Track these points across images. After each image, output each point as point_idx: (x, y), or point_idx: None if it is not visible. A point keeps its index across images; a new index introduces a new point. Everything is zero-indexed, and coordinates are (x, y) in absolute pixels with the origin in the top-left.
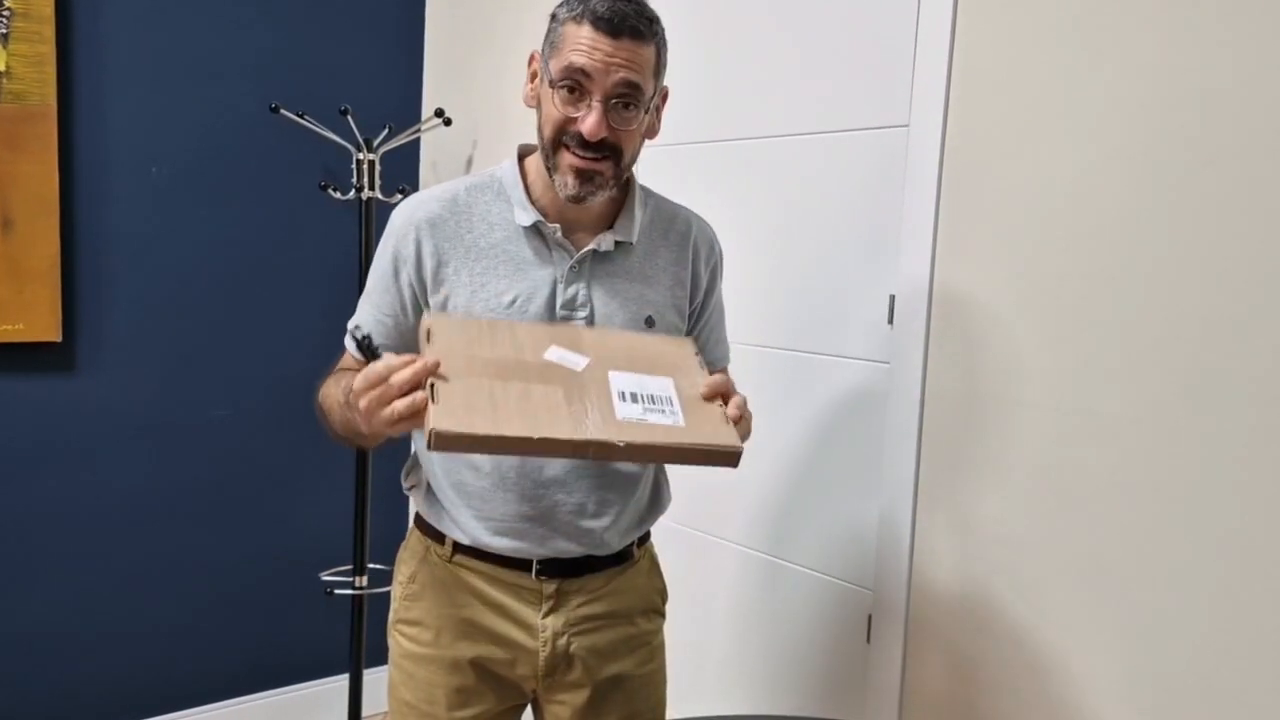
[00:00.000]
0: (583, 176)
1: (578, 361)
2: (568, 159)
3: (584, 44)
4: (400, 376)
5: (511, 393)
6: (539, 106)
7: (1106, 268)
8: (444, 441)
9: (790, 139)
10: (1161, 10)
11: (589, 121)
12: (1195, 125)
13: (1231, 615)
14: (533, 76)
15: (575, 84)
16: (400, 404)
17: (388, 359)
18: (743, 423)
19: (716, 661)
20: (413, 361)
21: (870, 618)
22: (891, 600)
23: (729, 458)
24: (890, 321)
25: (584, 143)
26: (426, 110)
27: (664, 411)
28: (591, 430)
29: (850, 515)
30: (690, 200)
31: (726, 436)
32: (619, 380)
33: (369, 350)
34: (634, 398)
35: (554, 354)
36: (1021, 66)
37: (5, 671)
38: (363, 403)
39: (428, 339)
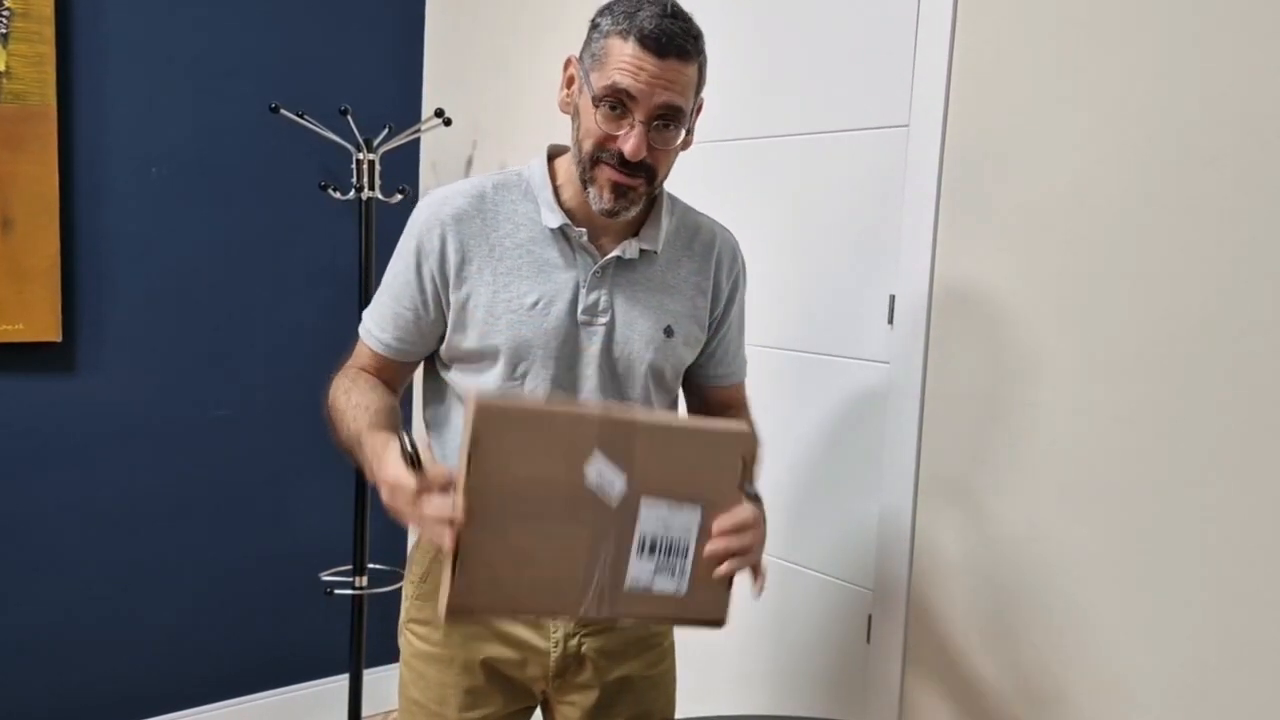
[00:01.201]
0: (618, 191)
1: (615, 483)
2: (606, 173)
3: (629, 63)
4: (431, 511)
5: (537, 546)
6: (576, 115)
7: (1106, 266)
8: (455, 617)
9: (790, 139)
10: (1161, 9)
11: (631, 142)
12: (1195, 124)
13: (1236, 614)
14: (569, 82)
15: (618, 102)
16: (427, 533)
17: (426, 472)
18: (752, 552)
19: (717, 661)
20: (447, 486)
21: (870, 618)
22: (891, 600)
23: (714, 625)
24: (890, 321)
25: (623, 160)
26: (426, 110)
27: (672, 573)
28: (592, 607)
29: (850, 515)
30: (690, 200)
31: (715, 610)
32: (647, 518)
33: (413, 462)
34: (652, 549)
35: (594, 471)
36: (1022, 65)
37: (4, 671)
38: (392, 503)
39: (474, 441)
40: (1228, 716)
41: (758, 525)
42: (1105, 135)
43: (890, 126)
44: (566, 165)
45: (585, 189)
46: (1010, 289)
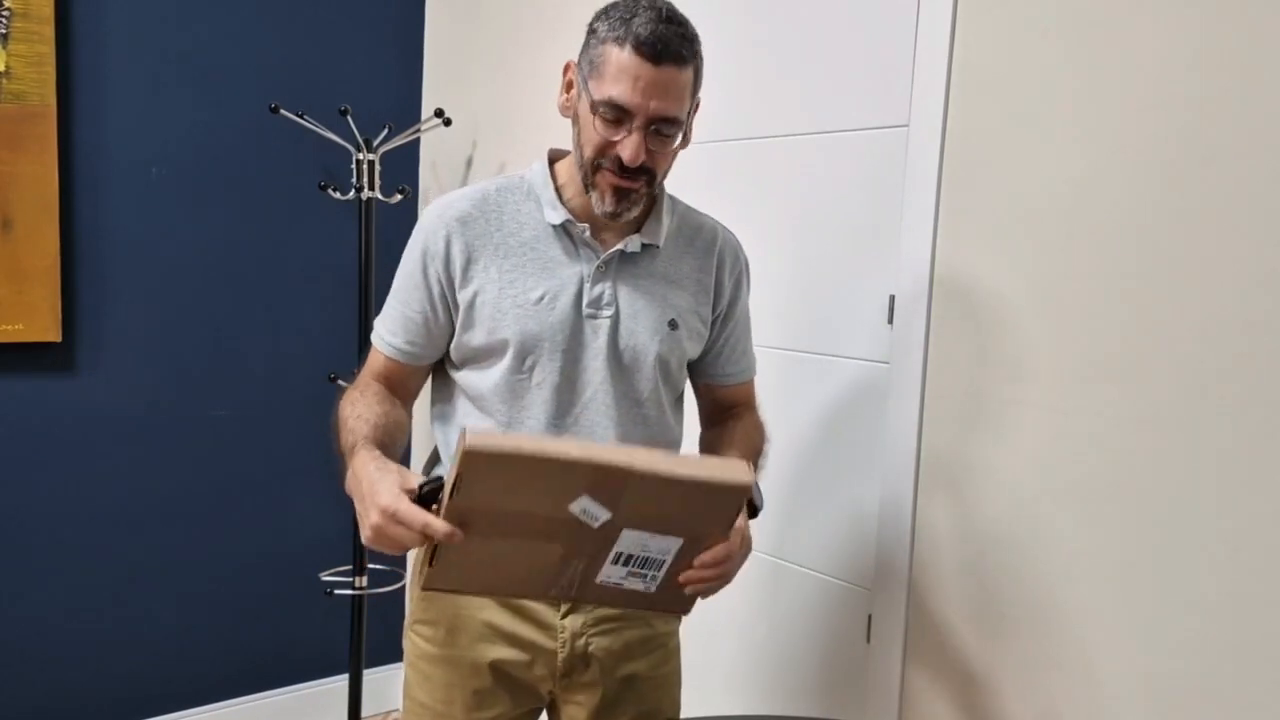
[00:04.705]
0: (620, 195)
1: (599, 517)
2: (607, 178)
3: (625, 73)
4: (412, 540)
5: (510, 553)
6: (576, 120)
7: (1106, 267)
8: (429, 591)
9: (790, 139)
10: (1161, 9)
11: (628, 148)
12: (1195, 124)
13: (1233, 614)
14: (568, 87)
15: (615, 111)
16: (401, 548)
17: (422, 519)
18: (727, 577)
19: (717, 661)
20: (428, 528)
21: (870, 618)
22: (891, 600)
23: (678, 613)
24: (890, 321)
25: (623, 166)
26: (426, 110)
27: (644, 577)
28: (561, 592)
29: (850, 515)
30: (691, 200)
31: (682, 605)
32: (627, 540)
33: (426, 501)
34: (627, 560)
35: (579, 506)
36: (1021, 65)
37: (5, 671)
38: (372, 521)
39: (459, 479)
40: (1228, 715)
41: (739, 555)
42: (1104, 135)
43: (890, 126)
44: (567, 167)
45: (588, 192)
46: (1010, 289)
